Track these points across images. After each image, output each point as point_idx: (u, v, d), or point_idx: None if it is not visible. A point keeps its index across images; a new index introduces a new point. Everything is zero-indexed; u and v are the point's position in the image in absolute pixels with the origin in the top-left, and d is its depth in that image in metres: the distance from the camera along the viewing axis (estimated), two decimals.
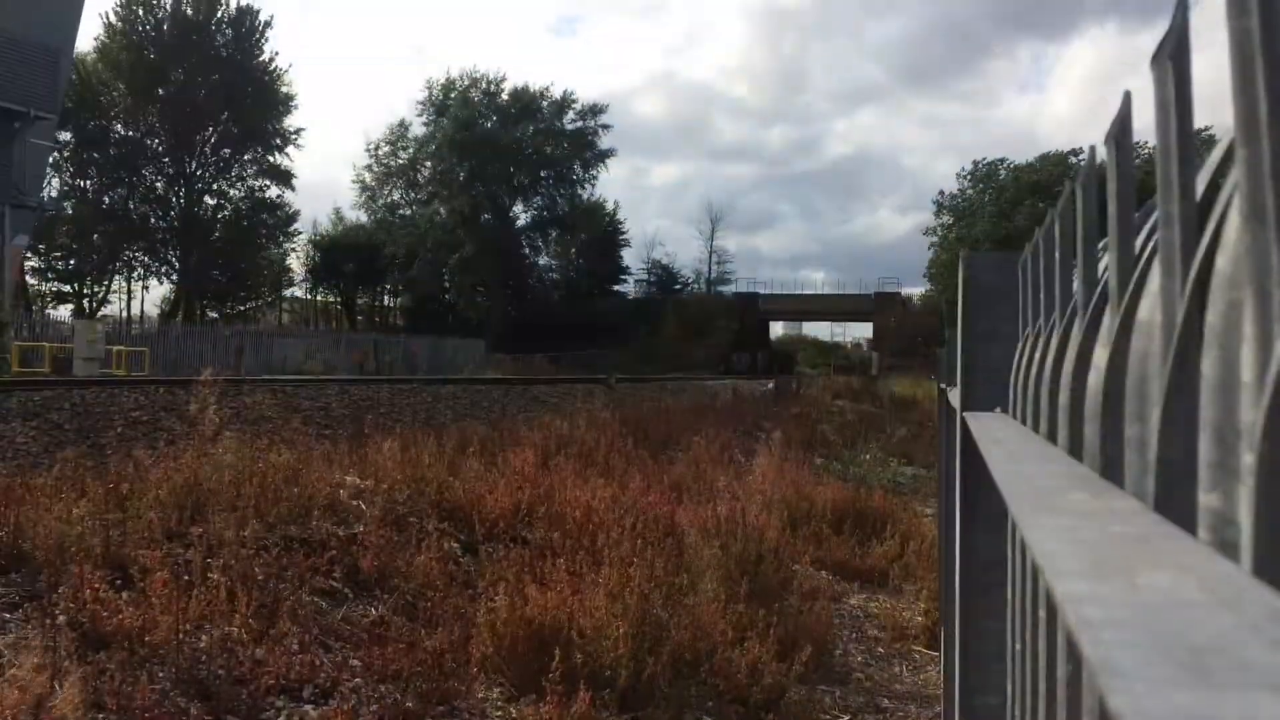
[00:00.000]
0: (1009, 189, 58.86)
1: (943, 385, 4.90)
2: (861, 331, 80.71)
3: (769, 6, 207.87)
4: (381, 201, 69.96)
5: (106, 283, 57.92)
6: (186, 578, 4.63)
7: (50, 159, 43.33)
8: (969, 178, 62.59)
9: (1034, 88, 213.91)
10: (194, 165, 57.60)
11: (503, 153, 65.44)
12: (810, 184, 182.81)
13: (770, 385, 31.67)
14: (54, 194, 49.66)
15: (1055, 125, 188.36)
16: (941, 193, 64.97)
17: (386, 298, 72.83)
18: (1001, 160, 61.78)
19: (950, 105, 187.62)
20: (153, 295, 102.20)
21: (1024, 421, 1.42)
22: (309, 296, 71.13)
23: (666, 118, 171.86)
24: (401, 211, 69.37)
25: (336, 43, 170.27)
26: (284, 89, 59.66)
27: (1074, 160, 58.03)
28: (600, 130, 70.58)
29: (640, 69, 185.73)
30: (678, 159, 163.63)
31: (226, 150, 58.69)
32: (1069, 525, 0.53)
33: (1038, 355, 1.29)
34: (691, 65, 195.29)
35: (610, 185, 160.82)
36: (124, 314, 57.27)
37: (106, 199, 55.70)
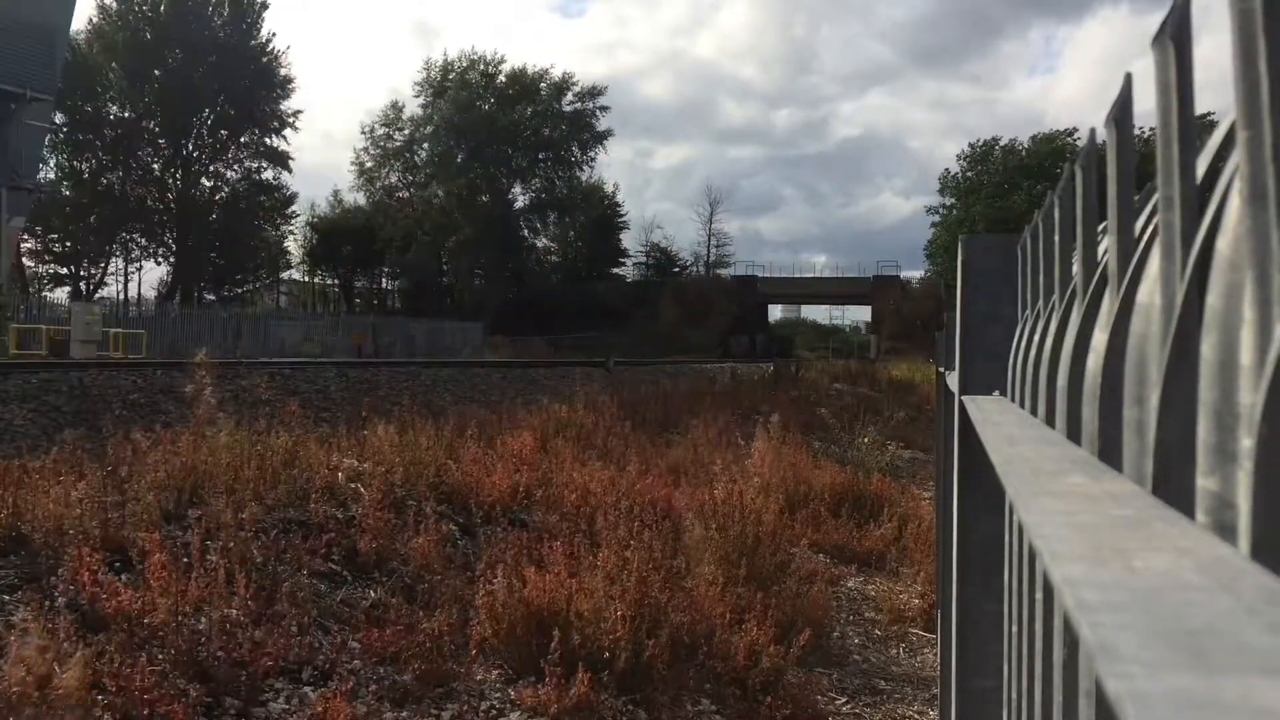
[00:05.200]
0: (1002, 170, 58.96)
1: (941, 368, 4.90)
2: (860, 315, 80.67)
3: None
4: (379, 184, 69.78)
5: (103, 265, 57.83)
6: (185, 560, 4.64)
7: (46, 140, 43.18)
8: (967, 159, 62.66)
9: (1044, 69, 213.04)
10: (191, 147, 57.42)
11: (501, 135, 65.22)
12: (814, 166, 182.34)
13: (769, 368, 31.69)
14: (50, 176, 49.57)
15: (1064, 107, 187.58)
16: (946, 171, 65.19)
17: (385, 280, 72.75)
18: (996, 140, 61.84)
19: (959, 86, 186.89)
20: (150, 277, 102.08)
21: (1022, 405, 1.42)
22: (307, 279, 71.05)
23: (672, 99, 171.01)
24: (400, 194, 69.19)
25: (340, 24, 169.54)
26: (282, 71, 59.48)
27: (1068, 140, 58.10)
28: (598, 112, 70.40)
29: (647, 50, 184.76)
30: (682, 141, 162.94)
31: (223, 132, 58.48)
32: (1067, 508, 0.53)
33: (1036, 338, 1.29)
34: (699, 46, 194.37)
35: (613, 168, 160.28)
36: (121, 296, 57.23)
37: (103, 181, 55.53)
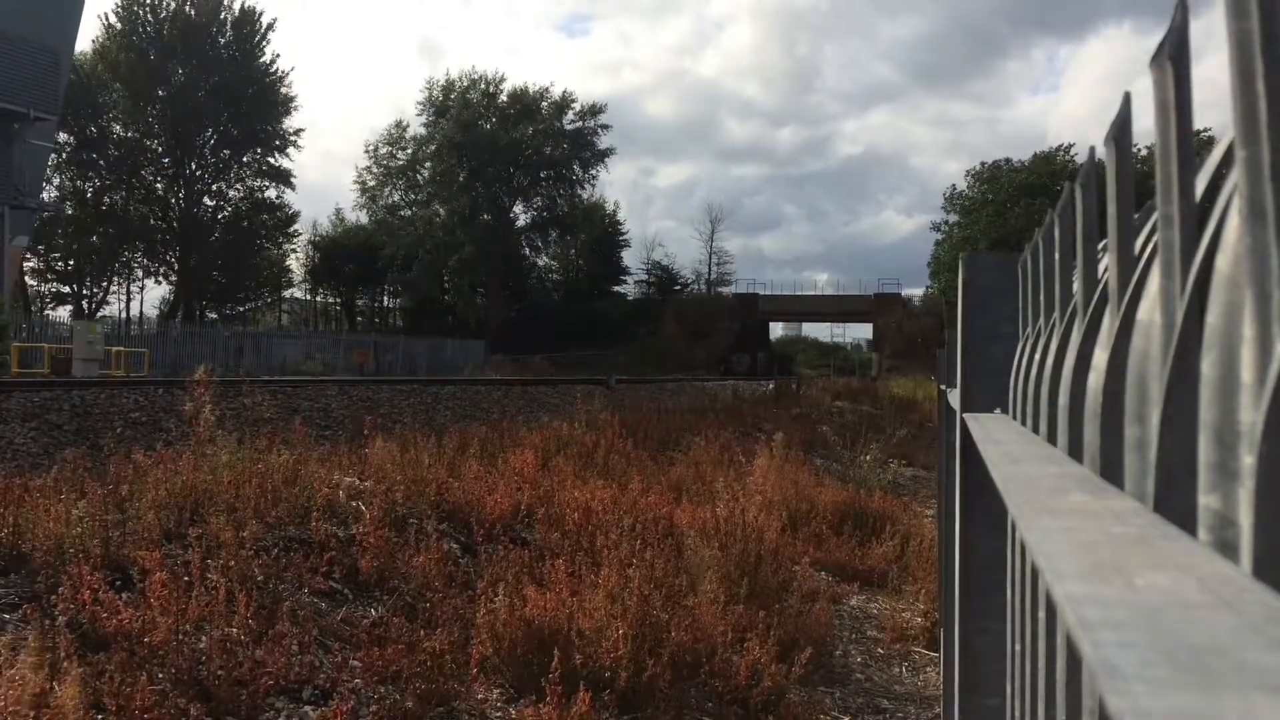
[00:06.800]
0: (1005, 188, 59.26)
1: (942, 386, 4.90)
2: (861, 333, 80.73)
3: (782, 6, 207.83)
4: (382, 202, 69.99)
5: (106, 284, 57.95)
6: (186, 579, 4.63)
7: (50, 160, 43.34)
8: (976, 177, 62.90)
9: (1047, 87, 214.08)
10: (194, 166, 57.62)
11: (502, 153, 65.46)
12: (817, 184, 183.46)
13: (770, 386, 31.69)
14: (53, 195, 49.73)
15: (1067, 125, 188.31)
16: (952, 188, 65.50)
17: (386, 299, 72.91)
18: (1006, 160, 62.10)
19: (962, 105, 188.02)
20: (152, 296, 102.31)
21: (1024, 422, 1.42)
22: (308, 297, 71.22)
23: (675, 118, 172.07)
24: (402, 212, 69.36)
25: (345, 44, 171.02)
26: (284, 90, 59.76)
27: (1066, 159, 58.40)
28: (600, 130, 70.65)
29: (651, 69, 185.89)
30: (685, 159, 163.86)
31: (226, 151, 58.71)
32: (1069, 526, 0.53)
33: (1037, 356, 1.29)
34: (702, 65, 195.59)
35: (615, 186, 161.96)
36: (123, 315, 57.36)
37: (106, 200, 55.72)
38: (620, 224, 77.15)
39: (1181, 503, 0.59)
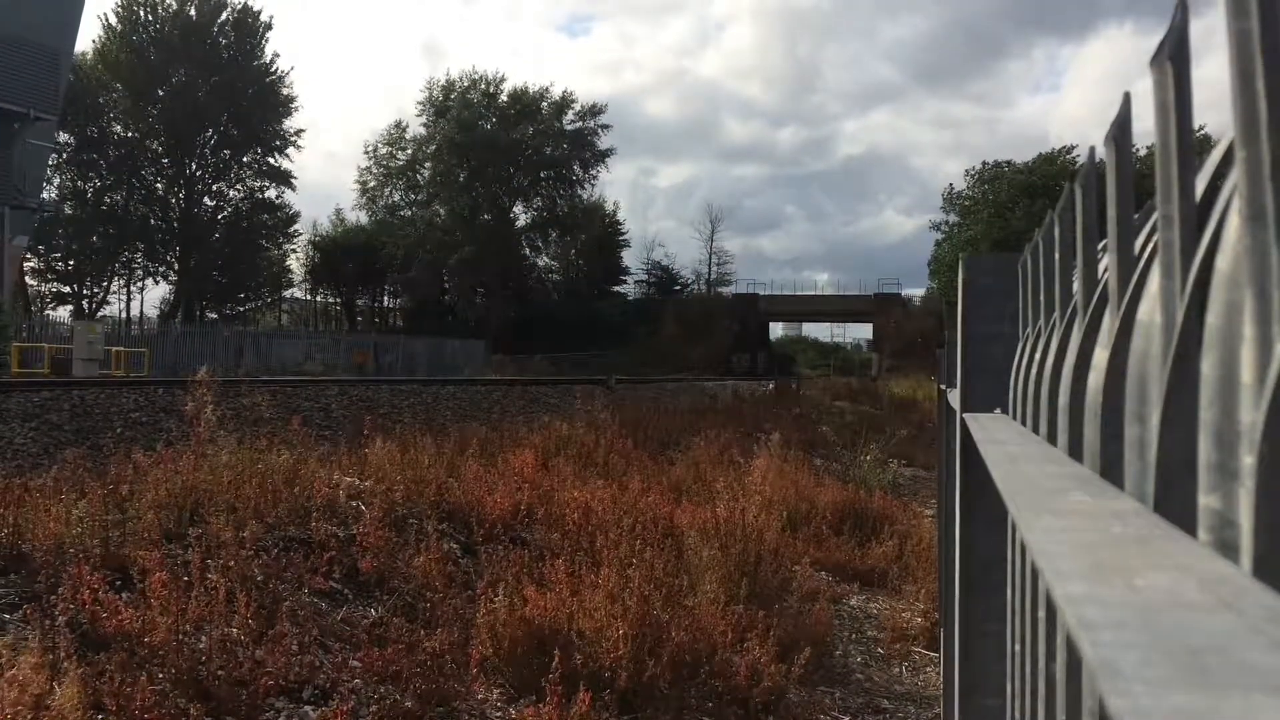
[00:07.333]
0: (1005, 189, 59.22)
1: (943, 386, 4.90)
2: (862, 333, 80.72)
3: (783, 6, 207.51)
4: (382, 202, 69.99)
5: (106, 284, 57.94)
6: (186, 579, 4.63)
7: (50, 160, 43.34)
8: (976, 177, 62.84)
9: (1048, 87, 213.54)
10: (194, 167, 57.62)
11: (502, 153, 65.46)
12: (817, 184, 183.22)
13: (770, 386, 31.71)
14: (53, 195, 49.73)
15: (1068, 125, 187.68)
16: (950, 187, 65.45)
17: (386, 299, 72.90)
18: (1008, 162, 62.03)
19: (963, 105, 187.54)
20: (152, 296, 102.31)
21: (1024, 422, 1.42)
22: (309, 298, 71.22)
23: (676, 118, 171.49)
24: (402, 212, 69.35)
25: (347, 45, 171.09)
26: (285, 90, 59.78)
27: (1067, 159, 58.39)
28: (600, 130, 70.65)
29: (651, 69, 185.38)
30: (686, 160, 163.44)
31: (226, 152, 58.71)
32: (1069, 526, 0.53)
33: (1037, 356, 1.29)
34: (703, 65, 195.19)
35: (616, 186, 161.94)
36: (123, 315, 57.38)
37: (106, 200, 55.72)
38: (620, 224, 77.21)
39: (1181, 503, 0.59)
